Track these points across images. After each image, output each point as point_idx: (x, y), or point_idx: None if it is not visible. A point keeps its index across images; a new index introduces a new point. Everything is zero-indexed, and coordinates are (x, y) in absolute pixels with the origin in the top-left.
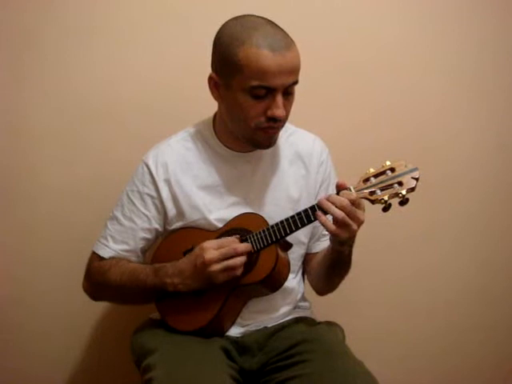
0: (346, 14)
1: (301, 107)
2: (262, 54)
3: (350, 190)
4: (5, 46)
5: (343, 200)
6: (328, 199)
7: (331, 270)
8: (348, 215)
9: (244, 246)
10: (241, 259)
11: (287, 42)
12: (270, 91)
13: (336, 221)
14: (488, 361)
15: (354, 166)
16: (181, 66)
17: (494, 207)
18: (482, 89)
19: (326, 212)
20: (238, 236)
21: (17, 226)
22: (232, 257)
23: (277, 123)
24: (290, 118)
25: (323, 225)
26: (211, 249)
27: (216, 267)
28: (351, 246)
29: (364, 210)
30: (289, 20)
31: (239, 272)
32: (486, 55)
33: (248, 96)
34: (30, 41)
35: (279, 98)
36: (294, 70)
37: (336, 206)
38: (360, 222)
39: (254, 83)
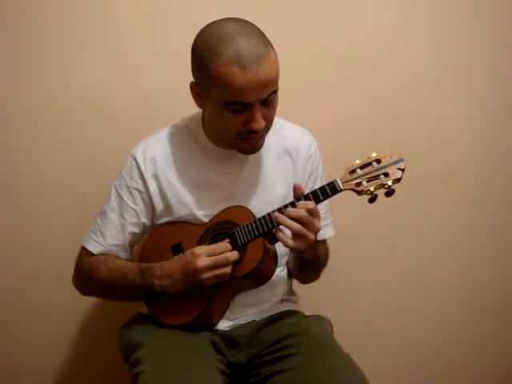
0: (336, 6)
1: (289, 100)
2: (232, 72)
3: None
4: (3, 44)
5: (299, 211)
6: (284, 213)
7: (301, 269)
8: (304, 226)
9: (234, 255)
10: (230, 268)
11: (259, 55)
12: (246, 105)
13: (293, 233)
14: (481, 357)
15: (341, 159)
16: (171, 60)
17: (489, 203)
18: (474, 86)
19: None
20: (228, 241)
21: (6, 219)
22: (223, 265)
23: (258, 133)
24: (278, 111)
25: (282, 241)
26: (203, 256)
27: (207, 275)
28: (313, 252)
29: (320, 219)
30: (278, 13)
31: (227, 278)
32: (480, 52)
33: (225, 110)
34: (27, 40)
35: (256, 112)
36: (269, 83)
37: (292, 219)
38: (316, 231)
39: (228, 99)
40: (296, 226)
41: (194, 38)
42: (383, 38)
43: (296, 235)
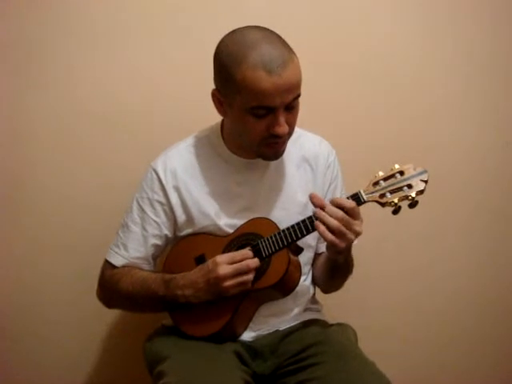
0: (348, 15)
1: (307, 109)
2: (258, 76)
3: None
4: (7, 52)
5: (337, 211)
6: (324, 209)
7: (330, 274)
8: (344, 225)
9: (255, 261)
10: (252, 275)
11: (284, 60)
12: (271, 110)
13: (332, 231)
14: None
15: (360, 167)
16: (188, 71)
17: (497, 205)
18: (482, 87)
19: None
20: (250, 248)
21: (28, 235)
22: (245, 272)
23: (282, 138)
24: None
25: (321, 234)
26: (224, 264)
27: (229, 283)
28: (347, 256)
29: (362, 221)
30: (291, 22)
31: (249, 286)
32: (485, 53)
33: (249, 115)
34: (33, 48)
35: (280, 116)
36: (293, 87)
37: (331, 216)
38: (356, 233)
39: (253, 104)
40: (335, 223)
41: (210, 46)
42: (400, 45)
43: (335, 233)
